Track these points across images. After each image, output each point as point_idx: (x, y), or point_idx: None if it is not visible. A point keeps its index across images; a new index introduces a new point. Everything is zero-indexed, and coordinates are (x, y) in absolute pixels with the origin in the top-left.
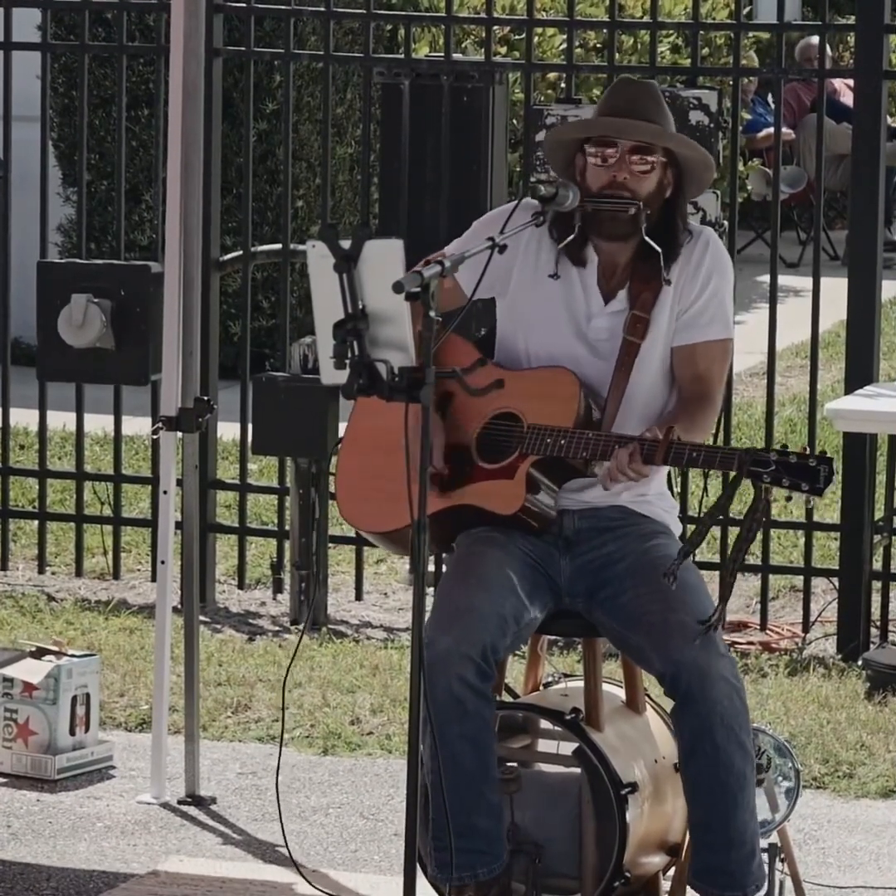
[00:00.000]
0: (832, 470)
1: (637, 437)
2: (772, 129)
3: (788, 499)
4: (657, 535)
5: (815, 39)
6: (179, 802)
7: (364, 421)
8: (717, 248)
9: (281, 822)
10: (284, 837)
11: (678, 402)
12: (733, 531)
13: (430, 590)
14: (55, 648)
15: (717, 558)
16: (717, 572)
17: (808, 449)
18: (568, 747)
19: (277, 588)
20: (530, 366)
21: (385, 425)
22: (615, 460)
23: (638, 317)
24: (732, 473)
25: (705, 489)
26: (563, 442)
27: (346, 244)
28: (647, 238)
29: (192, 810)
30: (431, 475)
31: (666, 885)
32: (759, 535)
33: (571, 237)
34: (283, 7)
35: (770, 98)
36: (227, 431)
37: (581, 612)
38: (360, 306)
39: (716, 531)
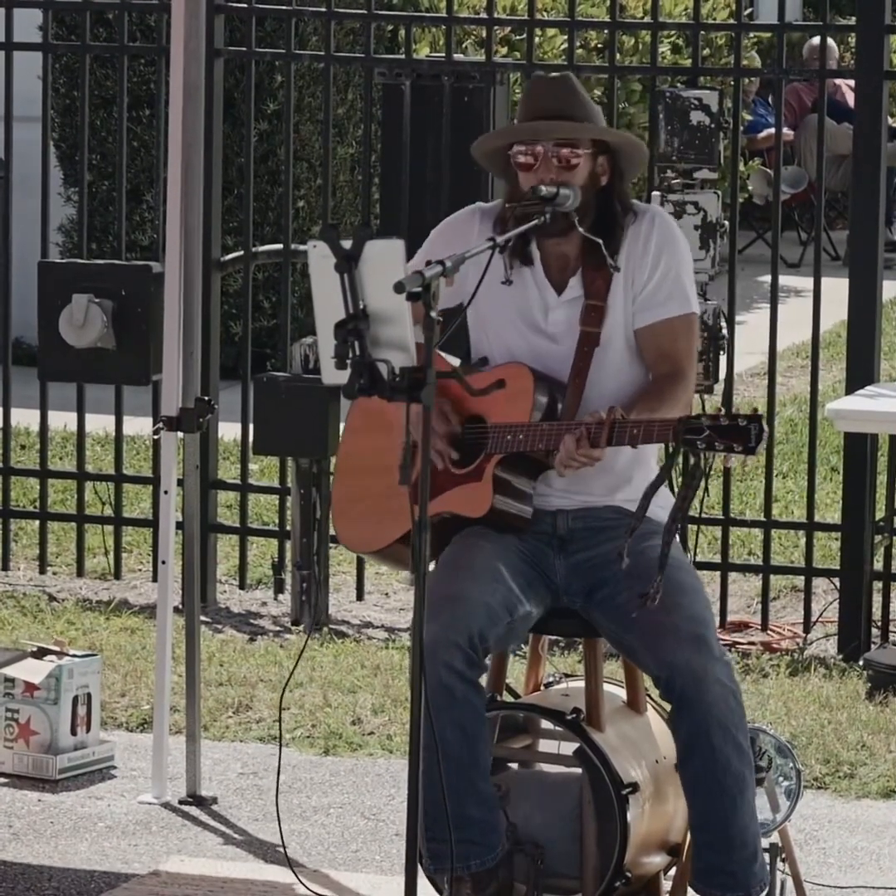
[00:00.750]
0: (762, 427)
1: (583, 423)
2: (772, 130)
3: (727, 461)
4: (653, 534)
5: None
6: (180, 802)
7: (353, 446)
8: (665, 224)
9: (279, 823)
10: (282, 838)
11: (649, 382)
12: (733, 531)
13: None
14: (56, 648)
15: (717, 558)
16: (717, 572)
17: (739, 410)
18: (569, 747)
19: (278, 588)
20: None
21: (371, 447)
22: (563, 448)
23: (592, 306)
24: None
25: (706, 489)
26: (521, 436)
27: (347, 244)
28: (581, 230)
29: (193, 810)
30: (409, 487)
31: (667, 885)
32: (760, 533)
33: (511, 243)
34: (284, 7)
35: (771, 98)
36: (228, 431)
37: (579, 611)
38: (361, 306)
39: (716, 531)
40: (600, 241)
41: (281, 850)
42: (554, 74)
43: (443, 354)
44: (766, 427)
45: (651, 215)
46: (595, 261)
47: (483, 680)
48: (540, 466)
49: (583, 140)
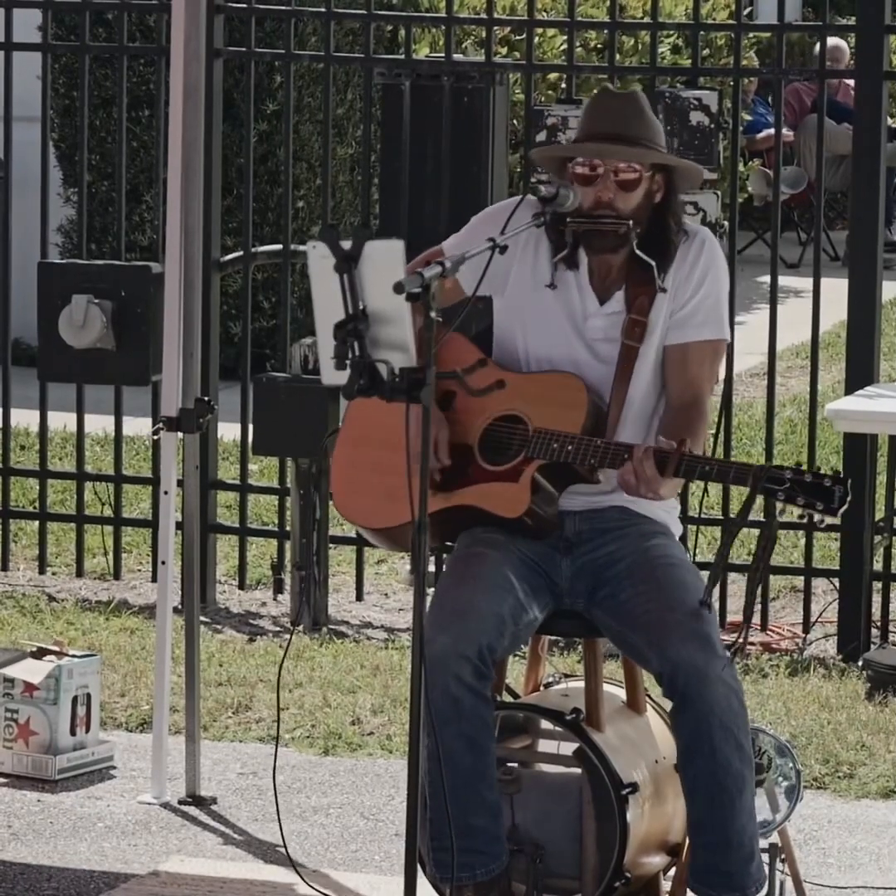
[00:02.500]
0: (847, 490)
1: (651, 446)
2: (772, 131)
3: (802, 517)
4: (656, 535)
5: (838, 41)
6: (180, 803)
7: (363, 413)
8: (713, 249)
9: (280, 822)
10: (283, 837)
11: (671, 411)
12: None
13: (431, 590)
14: (56, 649)
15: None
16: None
17: (820, 468)
18: (568, 747)
19: (278, 588)
20: (529, 366)
21: (385, 420)
22: (632, 461)
23: (635, 320)
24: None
25: (705, 490)
26: (570, 448)
27: (346, 245)
28: (638, 251)
29: (192, 810)
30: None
31: (666, 885)
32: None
33: (564, 252)
34: (283, 8)
35: (771, 99)
36: (228, 432)
37: (581, 612)
38: (361, 307)
39: (715, 532)
40: (653, 263)
41: (280, 850)
42: (620, 89)
43: (468, 340)
44: (850, 492)
45: (702, 238)
46: (641, 277)
47: (489, 691)
48: (575, 478)
49: (644, 162)
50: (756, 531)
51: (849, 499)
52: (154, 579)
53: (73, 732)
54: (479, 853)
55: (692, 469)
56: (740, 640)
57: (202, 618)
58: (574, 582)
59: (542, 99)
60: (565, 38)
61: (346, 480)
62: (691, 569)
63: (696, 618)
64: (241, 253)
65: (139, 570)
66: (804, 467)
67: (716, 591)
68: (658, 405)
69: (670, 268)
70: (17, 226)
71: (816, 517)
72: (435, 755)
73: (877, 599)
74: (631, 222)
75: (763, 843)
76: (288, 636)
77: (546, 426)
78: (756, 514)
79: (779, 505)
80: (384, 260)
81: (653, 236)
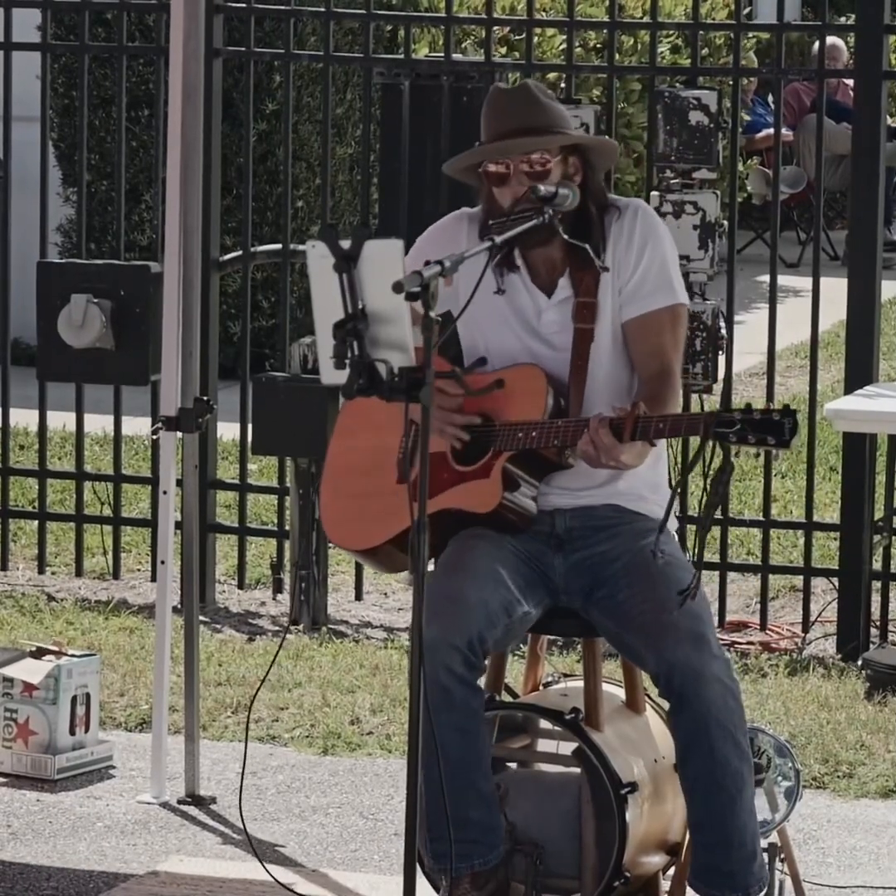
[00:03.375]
0: (796, 421)
1: (606, 416)
2: (771, 130)
3: (757, 455)
4: (651, 532)
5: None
6: (179, 802)
7: (339, 447)
8: (648, 217)
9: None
10: (250, 840)
11: (640, 384)
12: (732, 530)
13: None
14: (55, 648)
15: (716, 558)
16: (716, 572)
17: (770, 404)
18: (568, 747)
19: (277, 588)
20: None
21: (360, 447)
22: (588, 432)
23: (583, 303)
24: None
25: (705, 488)
26: (533, 434)
27: (345, 244)
28: (566, 237)
29: (191, 810)
30: (409, 483)
31: (666, 884)
32: (759, 533)
33: (499, 255)
34: (282, 7)
35: (770, 98)
36: (227, 431)
37: (578, 611)
38: (360, 306)
39: (715, 532)
40: (587, 246)
41: (279, 849)
42: (511, 86)
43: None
44: (800, 420)
45: (633, 209)
46: (581, 260)
47: (481, 681)
48: (549, 465)
49: (551, 147)
50: (756, 531)
51: (797, 428)
52: (153, 579)
53: (72, 732)
54: (476, 843)
55: (647, 429)
56: (693, 587)
57: (201, 617)
58: (568, 579)
59: None
60: (564, 37)
61: (333, 510)
62: (687, 568)
63: (692, 618)
64: (240, 252)
65: (138, 570)
66: (754, 407)
67: (717, 591)
68: (632, 381)
69: (607, 246)
70: (17, 225)
71: (773, 453)
72: (429, 747)
73: (876, 599)
74: (546, 209)
75: (762, 843)
76: (287, 636)
77: (511, 419)
78: (754, 514)
79: (733, 448)
80: (383, 260)
81: (580, 220)
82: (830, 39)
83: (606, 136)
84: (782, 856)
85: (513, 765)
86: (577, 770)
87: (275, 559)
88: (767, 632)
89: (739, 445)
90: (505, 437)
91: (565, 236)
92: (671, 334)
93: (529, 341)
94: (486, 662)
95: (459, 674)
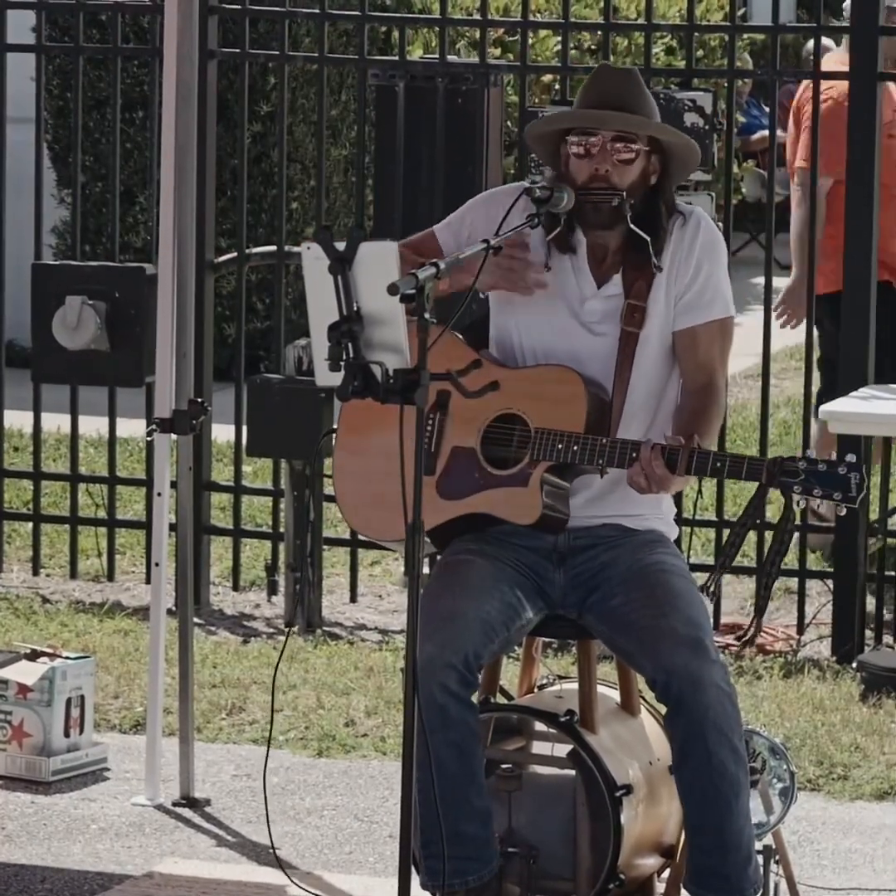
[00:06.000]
0: (863, 476)
1: (659, 444)
2: (766, 132)
3: (819, 505)
4: (652, 543)
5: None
6: (174, 804)
7: (359, 418)
8: (709, 228)
9: (268, 825)
10: (271, 840)
11: (685, 395)
12: (726, 532)
13: None
14: (50, 650)
15: (711, 560)
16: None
17: (836, 456)
18: (562, 749)
19: (272, 590)
20: (524, 353)
21: (382, 424)
22: (640, 461)
23: (634, 306)
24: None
25: (700, 492)
26: (575, 448)
27: (341, 246)
28: (632, 226)
29: (186, 812)
30: (434, 481)
31: (660, 887)
32: (754, 535)
33: (558, 230)
34: (277, 9)
35: (765, 100)
36: (222, 433)
37: (575, 619)
38: (355, 308)
39: (710, 533)
40: (648, 239)
41: (275, 851)
42: (621, 66)
43: (459, 336)
44: (865, 475)
45: (697, 218)
46: (637, 260)
47: (474, 697)
48: (579, 470)
49: (640, 136)
50: (750, 533)
51: (863, 483)
52: (148, 581)
53: (66, 734)
54: (470, 860)
55: (703, 465)
56: (752, 631)
57: (196, 619)
58: (567, 592)
59: (536, 100)
60: (559, 39)
61: (353, 493)
62: (686, 575)
63: (689, 623)
64: (235, 254)
65: (133, 572)
66: (816, 456)
67: (715, 590)
68: (665, 391)
69: (666, 249)
70: (11, 227)
71: (837, 507)
72: (424, 764)
73: (871, 601)
74: (624, 194)
75: (757, 845)
76: (282, 638)
77: (547, 424)
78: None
79: (795, 497)
80: (378, 261)
81: (646, 218)
82: (824, 41)
83: (692, 141)
84: (777, 858)
85: (508, 767)
86: (572, 772)
87: (269, 561)
88: (762, 634)
89: (804, 496)
90: (542, 445)
91: (632, 226)
92: (720, 347)
93: (568, 322)
94: (481, 675)
95: (455, 692)
